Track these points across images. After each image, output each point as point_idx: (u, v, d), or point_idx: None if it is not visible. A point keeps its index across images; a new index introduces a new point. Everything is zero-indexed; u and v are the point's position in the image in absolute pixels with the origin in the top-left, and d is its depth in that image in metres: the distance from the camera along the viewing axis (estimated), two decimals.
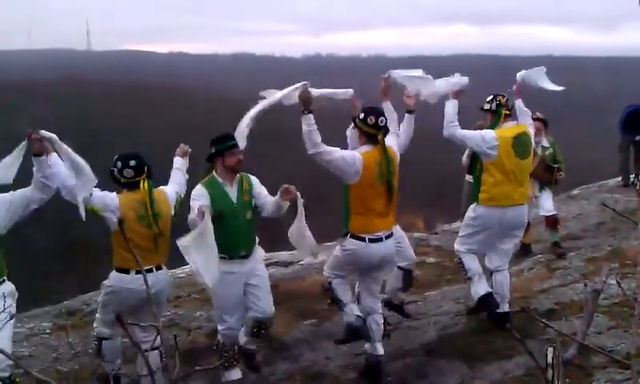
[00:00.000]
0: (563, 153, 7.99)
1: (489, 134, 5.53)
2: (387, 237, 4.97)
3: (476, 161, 5.83)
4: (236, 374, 5.13)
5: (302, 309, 6.82)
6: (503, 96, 5.73)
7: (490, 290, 5.60)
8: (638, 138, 11.43)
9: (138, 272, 4.63)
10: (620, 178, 12.68)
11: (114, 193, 4.74)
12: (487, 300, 5.57)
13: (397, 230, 5.51)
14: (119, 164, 4.75)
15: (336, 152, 4.75)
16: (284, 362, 5.63)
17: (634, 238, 7.85)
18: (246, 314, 5.06)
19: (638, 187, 11.54)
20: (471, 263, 5.67)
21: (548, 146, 7.78)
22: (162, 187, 5.01)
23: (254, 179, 5.18)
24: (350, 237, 4.89)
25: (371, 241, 4.86)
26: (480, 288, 5.59)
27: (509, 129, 5.62)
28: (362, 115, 4.89)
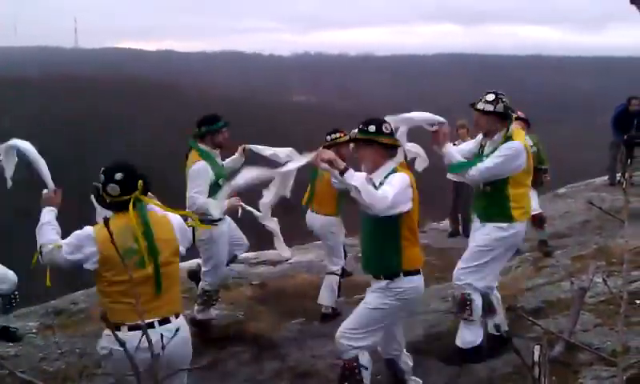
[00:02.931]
0: (550, 152, 8.04)
1: (517, 149, 4.61)
2: None
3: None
4: (215, 312, 6.21)
5: (290, 307, 6.82)
6: (504, 95, 4.76)
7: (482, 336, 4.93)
8: (626, 137, 11.58)
9: (133, 328, 3.37)
10: (606, 177, 12.82)
11: (89, 228, 3.53)
12: (480, 350, 4.92)
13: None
14: (102, 178, 3.54)
15: (394, 189, 3.76)
16: (272, 360, 5.62)
17: (620, 236, 7.92)
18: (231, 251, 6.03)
19: (624, 186, 11.65)
20: (480, 304, 4.83)
21: (532, 144, 7.81)
22: (164, 212, 3.70)
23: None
24: (404, 275, 4.00)
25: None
26: (478, 336, 4.90)
27: (519, 132, 4.84)
28: (372, 127, 3.98)
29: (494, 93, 4.72)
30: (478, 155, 4.88)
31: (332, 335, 5.66)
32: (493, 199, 4.73)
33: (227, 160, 6.11)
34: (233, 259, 6.36)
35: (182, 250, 3.68)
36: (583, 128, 59.06)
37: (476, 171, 4.64)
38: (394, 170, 3.92)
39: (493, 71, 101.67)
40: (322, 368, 5.36)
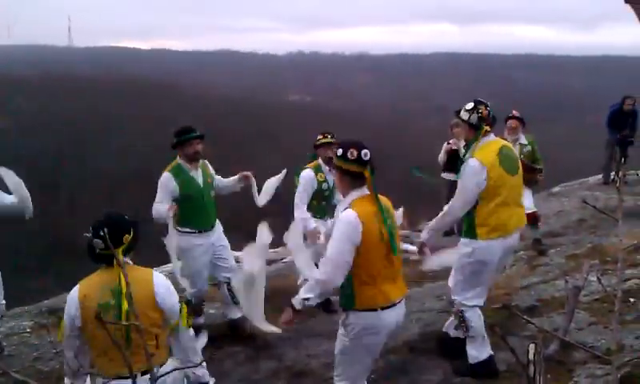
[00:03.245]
0: (544, 151, 8.06)
1: (472, 167, 4.55)
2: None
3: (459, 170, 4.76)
4: (201, 319, 6.15)
5: (285, 307, 6.80)
6: (485, 106, 4.68)
7: (492, 352, 4.80)
8: (620, 136, 11.66)
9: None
10: (600, 176, 12.88)
11: (76, 287, 3.49)
12: (489, 364, 4.77)
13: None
14: (91, 232, 3.46)
15: (329, 256, 3.66)
16: (268, 360, 5.62)
17: (614, 234, 7.95)
18: (215, 274, 5.97)
19: (617, 185, 11.72)
20: (476, 320, 4.72)
21: (526, 143, 7.83)
22: (150, 271, 3.57)
23: (211, 168, 6.01)
24: (358, 311, 3.79)
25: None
26: (482, 351, 4.77)
27: (489, 145, 4.65)
28: (339, 151, 3.78)
29: (475, 102, 4.71)
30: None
31: (327, 334, 5.68)
32: (464, 215, 4.69)
33: (227, 179, 6.10)
34: (218, 285, 6.09)
35: (174, 305, 3.52)
36: (577, 127, 59.28)
37: (450, 210, 4.71)
38: (350, 206, 3.71)
39: (488, 71, 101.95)
40: (318, 367, 5.36)
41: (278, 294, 7.17)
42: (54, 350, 5.70)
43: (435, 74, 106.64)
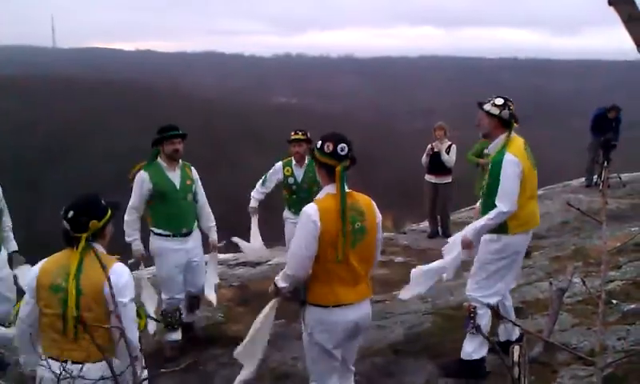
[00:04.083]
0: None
1: (513, 163, 4.44)
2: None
3: (488, 180, 4.62)
4: (177, 335, 5.81)
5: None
6: (512, 102, 4.62)
7: (486, 355, 4.75)
8: (603, 138, 11.78)
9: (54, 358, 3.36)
10: (583, 179, 13.00)
11: (42, 261, 3.53)
12: (479, 366, 4.75)
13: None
14: (62, 213, 3.47)
15: (291, 249, 3.68)
16: None
17: (597, 237, 8.01)
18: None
19: (601, 187, 11.82)
20: (486, 321, 4.66)
21: None
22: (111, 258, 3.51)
23: (195, 173, 5.83)
24: (309, 305, 3.78)
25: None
26: (478, 352, 4.70)
27: (516, 140, 4.58)
28: (318, 143, 3.73)
29: (503, 98, 4.61)
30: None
31: None
32: (492, 208, 4.49)
33: (205, 215, 5.90)
34: (191, 302, 6.01)
35: (121, 300, 3.31)
36: (560, 130, 59.76)
37: (498, 215, 4.43)
38: (315, 200, 3.68)
39: (471, 74, 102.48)
40: (302, 369, 5.33)
41: (264, 297, 7.17)
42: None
43: (421, 77, 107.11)
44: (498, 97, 4.62)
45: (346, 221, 3.54)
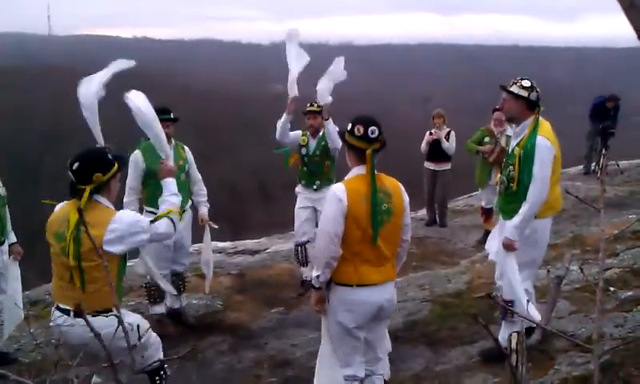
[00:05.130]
0: None
1: (547, 148, 4.33)
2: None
3: (518, 167, 4.41)
4: (160, 308, 5.95)
5: (269, 297, 6.81)
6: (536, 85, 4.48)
7: None
8: (601, 126, 11.78)
9: (61, 310, 3.56)
10: (581, 166, 13.01)
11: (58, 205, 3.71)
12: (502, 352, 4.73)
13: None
14: (68, 165, 3.58)
15: (326, 222, 3.65)
16: (251, 349, 5.61)
17: (595, 224, 8.02)
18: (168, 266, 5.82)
19: (599, 175, 11.84)
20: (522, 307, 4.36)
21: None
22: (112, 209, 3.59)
23: (190, 154, 5.96)
24: (335, 284, 3.77)
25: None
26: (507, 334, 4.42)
27: (545, 124, 4.47)
28: (349, 125, 3.77)
29: (529, 80, 4.46)
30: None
31: (311, 324, 5.68)
32: (516, 196, 4.41)
33: (200, 192, 6.00)
34: (176, 281, 5.99)
35: (117, 249, 3.43)
36: (559, 117, 59.59)
37: (535, 201, 4.30)
38: (344, 180, 3.73)
39: (472, 61, 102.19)
40: (301, 356, 5.36)
41: (263, 285, 7.19)
42: (35, 342, 5.64)
43: (420, 65, 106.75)
44: (524, 79, 4.47)
45: (376, 203, 3.59)
